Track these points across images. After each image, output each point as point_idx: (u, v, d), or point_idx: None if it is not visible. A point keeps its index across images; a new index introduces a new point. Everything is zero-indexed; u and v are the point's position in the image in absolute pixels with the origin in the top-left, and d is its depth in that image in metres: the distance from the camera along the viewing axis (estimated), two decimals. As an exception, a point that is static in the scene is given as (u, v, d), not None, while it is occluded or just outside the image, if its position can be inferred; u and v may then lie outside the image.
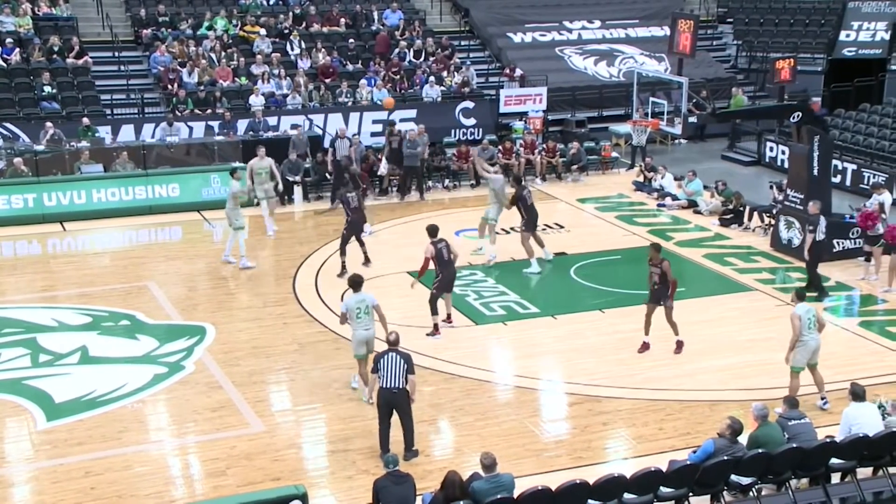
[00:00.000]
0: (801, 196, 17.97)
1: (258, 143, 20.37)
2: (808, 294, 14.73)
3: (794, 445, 9.73)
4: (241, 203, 17.68)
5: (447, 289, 14.56)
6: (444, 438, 11.75)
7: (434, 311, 14.38)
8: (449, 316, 14.70)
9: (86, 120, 21.87)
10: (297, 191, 21.63)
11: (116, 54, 25.74)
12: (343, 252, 16.88)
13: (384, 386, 10.77)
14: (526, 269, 17.09)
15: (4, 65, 23.80)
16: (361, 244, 17.28)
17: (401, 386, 10.74)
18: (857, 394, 10.37)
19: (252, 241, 18.90)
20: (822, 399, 12.28)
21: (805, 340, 11.94)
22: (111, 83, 24.84)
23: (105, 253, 18.72)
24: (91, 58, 24.81)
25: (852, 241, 17.82)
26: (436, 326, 14.37)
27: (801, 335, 11.90)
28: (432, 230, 14.67)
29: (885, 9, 30.50)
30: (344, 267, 16.73)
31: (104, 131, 22.43)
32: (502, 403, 12.63)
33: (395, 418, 10.93)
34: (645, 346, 13.81)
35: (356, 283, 12.46)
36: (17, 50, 24.17)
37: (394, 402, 10.81)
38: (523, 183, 17.54)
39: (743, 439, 9.89)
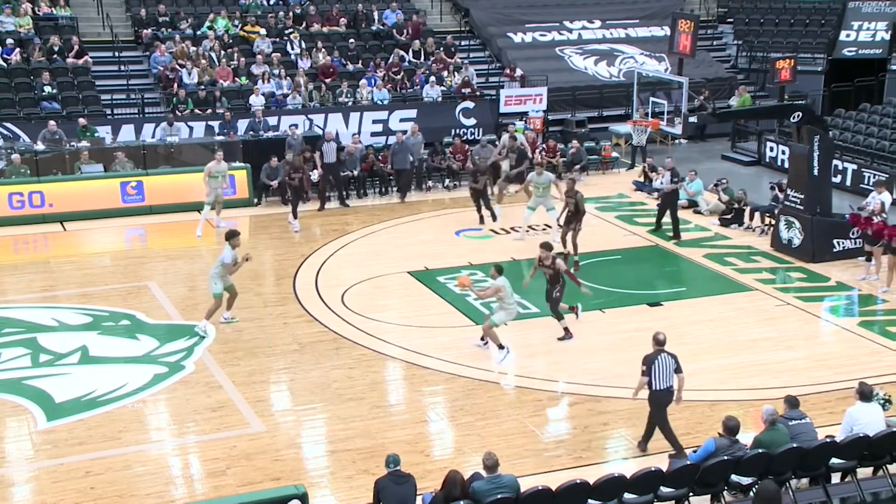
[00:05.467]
0: (802, 196, 17.99)
1: (216, 146, 20.74)
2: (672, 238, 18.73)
3: (795, 445, 9.72)
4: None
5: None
6: (444, 438, 11.75)
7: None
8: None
9: (82, 120, 21.84)
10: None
11: (117, 54, 25.75)
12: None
13: (659, 387, 10.76)
14: None
15: (5, 65, 23.80)
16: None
17: (672, 385, 10.83)
18: (865, 393, 10.25)
19: (250, 242, 18.94)
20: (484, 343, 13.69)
21: (510, 305, 13.53)
22: (111, 83, 24.85)
23: (105, 253, 18.72)
24: (91, 58, 24.81)
25: (852, 241, 17.82)
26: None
27: (507, 300, 13.44)
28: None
29: (885, 9, 30.49)
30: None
31: (104, 131, 22.42)
32: (503, 403, 12.63)
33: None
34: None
35: (231, 234, 14.56)
36: (18, 50, 24.17)
37: (668, 401, 10.86)
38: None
39: (746, 439, 9.90)
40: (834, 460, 9.95)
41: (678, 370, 10.85)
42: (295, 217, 19.54)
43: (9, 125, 22.20)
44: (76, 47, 24.57)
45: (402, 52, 27.05)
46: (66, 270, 17.52)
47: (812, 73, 29.06)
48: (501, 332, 13.95)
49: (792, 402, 10.26)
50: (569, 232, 17.49)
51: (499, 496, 8.75)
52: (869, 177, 22.01)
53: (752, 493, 9.71)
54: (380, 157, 22.41)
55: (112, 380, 12.91)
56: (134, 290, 16.30)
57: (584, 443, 11.47)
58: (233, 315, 14.97)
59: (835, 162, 21.01)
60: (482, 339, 13.85)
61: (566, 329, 14.31)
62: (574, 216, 17.40)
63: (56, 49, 24.33)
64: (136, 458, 11.06)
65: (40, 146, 21.02)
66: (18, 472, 10.87)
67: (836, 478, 10.08)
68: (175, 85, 24.05)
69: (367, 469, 10.63)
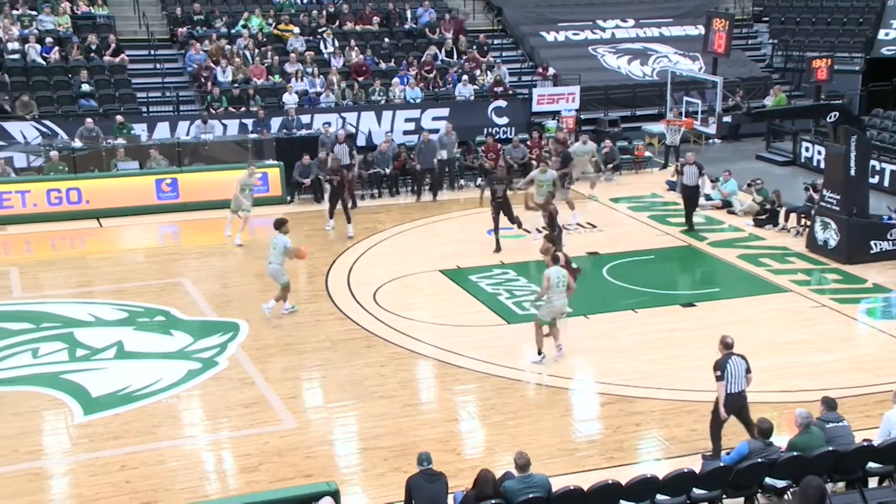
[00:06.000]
0: (838, 197, 17.78)
1: (251, 161, 20.44)
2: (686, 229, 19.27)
3: (831, 448, 9.61)
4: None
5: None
6: (475, 437, 11.74)
7: None
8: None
9: (119, 117, 22.16)
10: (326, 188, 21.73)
11: (152, 52, 26.02)
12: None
13: (732, 391, 10.46)
14: None
15: (44, 63, 24.13)
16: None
17: (744, 388, 10.58)
18: None
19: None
20: (559, 348, 13.42)
21: (554, 299, 12.99)
22: (147, 81, 25.11)
23: (140, 249, 18.92)
24: (127, 56, 25.09)
25: (890, 242, 17.59)
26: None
27: (549, 294, 12.98)
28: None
29: (925, 7, 30.06)
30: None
31: (140, 129, 22.68)
32: (534, 403, 12.62)
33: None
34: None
35: (280, 223, 15.04)
36: (56, 48, 24.49)
37: (741, 406, 10.56)
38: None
39: (781, 441, 9.80)
40: (871, 464, 9.83)
41: (748, 370, 10.61)
42: (331, 217, 19.48)
43: (48, 122, 22.52)
44: (113, 46, 24.85)
45: (436, 50, 27.09)
46: (102, 266, 17.73)
47: (849, 73, 28.68)
48: (530, 333, 13.88)
49: (829, 403, 10.11)
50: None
51: (530, 496, 8.74)
52: (907, 178, 21.72)
53: (787, 497, 9.64)
54: (412, 156, 22.47)
55: (147, 375, 13.04)
56: (168, 287, 16.46)
57: (617, 443, 11.42)
58: (292, 304, 15.24)
59: (872, 162, 20.74)
60: (558, 346, 13.49)
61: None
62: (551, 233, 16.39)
63: (94, 47, 24.64)
64: (170, 453, 11.17)
65: (78, 143, 21.30)
66: (56, 465, 11.02)
67: (873, 482, 9.96)
68: (209, 83, 24.25)
69: (399, 467, 10.65)
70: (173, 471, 10.80)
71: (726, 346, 10.67)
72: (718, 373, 10.50)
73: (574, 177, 21.06)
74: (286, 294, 15.04)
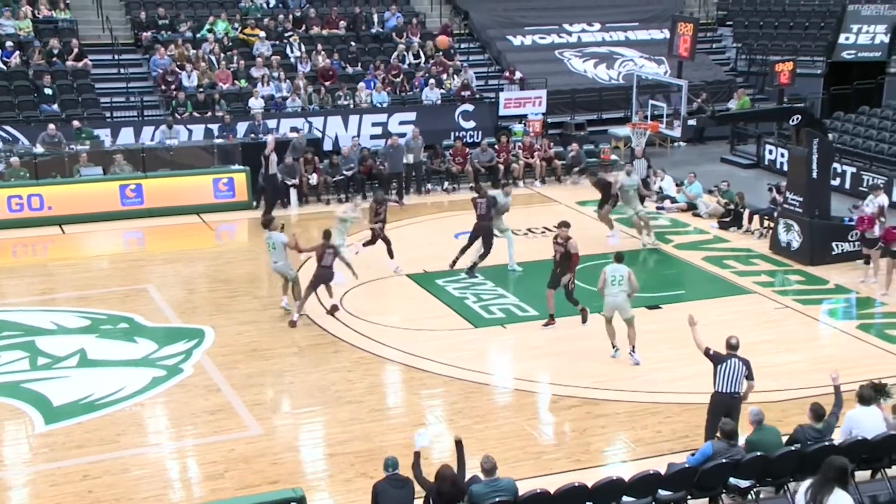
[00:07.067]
0: (801, 199, 17.99)
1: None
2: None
3: (794, 448, 9.71)
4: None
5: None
6: (442, 441, 11.70)
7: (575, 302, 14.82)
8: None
9: (76, 122, 21.87)
10: (293, 194, 21.62)
11: (116, 57, 25.74)
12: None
13: (723, 390, 10.52)
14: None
15: (4, 68, 23.80)
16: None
17: (739, 390, 10.57)
18: (864, 397, 10.16)
19: (248, 245, 18.93)
20: (630, 353, 13.58)
21: (605, 295, 13.43)
22: (111, 86, 24.83)
23: (104, 255, 18.72)
24: (91, 60, 24.82)
25: (851, 243, 17.83)
26: (552, 317, 14.86)
27: (605, 290, 13.41)
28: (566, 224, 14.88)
29: (884, 12, 30.46)
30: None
31: (104, 134, 22.43)
32: (501, 406, 12.63)
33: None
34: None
35: (267, 222, 15.81)
36: (17, 53, 24.17)
37: (732, 406, 10.49)
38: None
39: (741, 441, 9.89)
40: (832, 463, 9.91)
41: (749, 377, 10.65)
42: (392, 256, 17.37)
43: (8, 128, 22.22)
44: (76, 50, 24.57)
45: (404, 51, 27.08)
46: (65, 273, 17.51)
47: (811, 76, 29.04)
48: (497, 336, 13.90)
49: (817, 411, 10.00)
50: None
51: (497, 499, 8.74)
52: (868, 180, 22.00)
53: (750, 496, 9.71)
54: (378, 161, 22.41)
55: (110, 383, 12.89)
56: (132, 293, 16.30)
57: (583, 446, 11.46)
58: (290, 302, 15.38)
59: (834, 165, 21.00)
60: (629, 351, 13.62)
61: (551, 316, 14.77)
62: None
63: (56, 52, 24.33)
64: (134, 462, 11.06)
65: (39, 149, 21.03)
66: (16, 475, 10.85)
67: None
68: (174, 88, 24.06)
69: (366, 472, 10.62)
70: (137, 479, 10.69)
71: (730, 346, 10.80)
72: (711, 357, 10.68)
73: (635, 215, 19.12)
74: (298, 289, 15.21)
